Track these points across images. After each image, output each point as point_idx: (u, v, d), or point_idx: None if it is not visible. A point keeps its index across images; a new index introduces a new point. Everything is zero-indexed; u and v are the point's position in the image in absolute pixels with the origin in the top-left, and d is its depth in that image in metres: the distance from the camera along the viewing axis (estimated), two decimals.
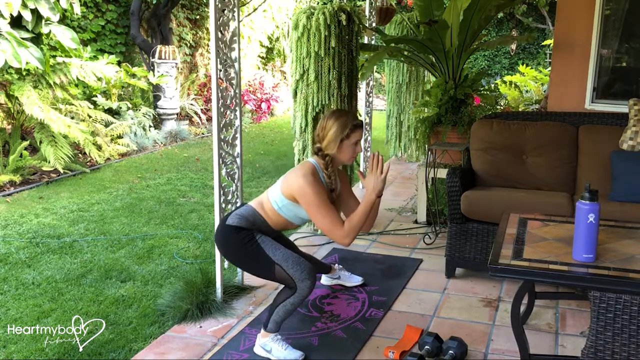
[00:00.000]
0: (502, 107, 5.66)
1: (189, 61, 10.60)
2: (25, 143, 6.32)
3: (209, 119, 9.69)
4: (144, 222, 4.80)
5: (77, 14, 7.68)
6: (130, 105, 8.25)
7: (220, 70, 3.16)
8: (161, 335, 2.95)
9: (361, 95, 5.75)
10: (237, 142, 3.33)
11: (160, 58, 8.68)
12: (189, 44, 10.52)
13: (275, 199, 2.72)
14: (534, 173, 3.84)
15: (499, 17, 13.05)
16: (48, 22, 6.53)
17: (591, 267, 2.29)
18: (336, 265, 3.58)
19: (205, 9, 10.74)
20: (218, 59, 3.12)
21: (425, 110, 4.81)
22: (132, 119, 8.09)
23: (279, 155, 7.78)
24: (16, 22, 6.22)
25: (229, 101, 3.24)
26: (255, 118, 10.59)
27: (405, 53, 4.99)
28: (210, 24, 3.06)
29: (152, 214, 5.03)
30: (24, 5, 6.08)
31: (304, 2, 13.16)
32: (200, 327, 3.03)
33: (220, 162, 3.21)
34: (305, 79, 4.17)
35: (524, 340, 2.54)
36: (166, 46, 8.81)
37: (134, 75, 8.21)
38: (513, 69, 13.49)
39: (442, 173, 4.46)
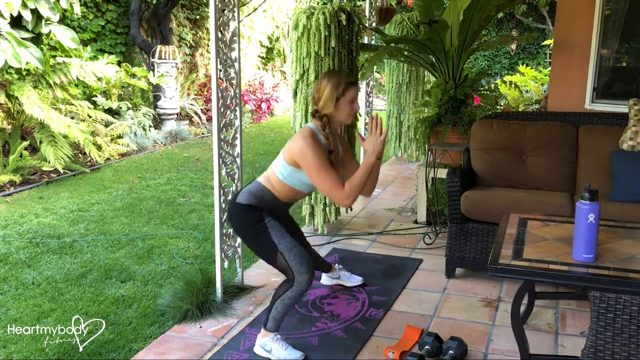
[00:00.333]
0: (502, 107, 5.66)
1: (189, 61, 10.59)
2: (25, 143, 6.32)
3: (209, 119, 9.69)
4: (144, 222, 4.80)
5: (77, 14, 7.68)
6: (130, 105, 8.24)
7: (220, 70, 3.16)
8: (161, 335, 2.95)
9: (361, 95, 5.76)
10: (237, 142, 3.34)
11: (160, 58, 8.68)
12: (189, 44, 10.52)
13: (279, 169, 2.74)
14: (534, 173, 3.84)
15: (499, 17, 13.05)
16: (48, 22, 6.53)
17: (591, 267, 2.29)
18: (336, 265, 3.58)
19: (205, 9, 10.74)
20: (218, 59, 3.12)
21: (425, 110, 4.81)
22: (132, 119, 8.08)
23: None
24: (16, 22, 6.22)
25: (229, 101, 3.24)
26: (255, 118, 10.59)
27: (405, 53, 4.99)
28: (210, 24, 3.06)
29: (152, 214, 5.03)
30: (24, 5, 6.08)
31: (304, 2, 13.16)
32: (200, 327, 3.03)
33: (220, 162, 3.21)
34: (305, 79, 4.17)
35: (524, 340, 2.54)
36: (166, 46, 8.80)
37: (134, 75, 8.21)
38: (513, 69, 13.48)
39: (442, 173, 4.46)
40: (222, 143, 3.22)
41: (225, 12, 3.15)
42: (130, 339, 2.93)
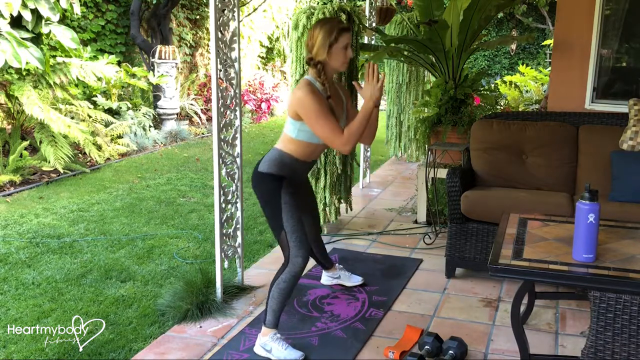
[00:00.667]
0: (502, 107, 5.66)
1: (189, 61, 10.60)
2: (25, 143, 6.32)
3: (209, 119, 9.69)
4: (144, 222, 4.80)
5: (77, 14, 7.68)
6: (130, 105, 8.24)
7: (220, 70, 3.16)
8: (161, 335, 2.95)
9: None
10: (237, 142, 3.34)
11: (160, 58, 8.68)
12: (189, 44, 10.53)
13: (290, 130, 2.77)
14: (534, 173, 3.84)
15: (499, 17, 13.05)
16: (48, 22, 6.53)
17: (591, 267, 2.29)
18: (336, 265, 3.58)
19: (205, 9, 10.74)
20: (218, 59, 3.12)
21: (425, 110, 4.81)
22: (132, 119, 8.08)
23: None
24: (16, 22, 6.22)
25: (229, 101, 3.24)
26: (255, 118, 10.59)
27: (405, 53, 4.99)
28: (210, 24, 3.06)
29: (152, 214, 5.03)
30: (24, 5, 6.08)
31: (304, 2, 13.16)
32: (200, 327, 3.03)
33: (220, 162, 3.21)
34: None
35: (524, 340, 2.54)
36: (166, 46, 8.80)
37: (134, 75, 8.21)
38: (513, 69, 13.49)
39: (442, 173, 4.46)
40: (222, 143, 3.22)
41: (225, 12, 3.15)
42: (130, 339, 2.93)
